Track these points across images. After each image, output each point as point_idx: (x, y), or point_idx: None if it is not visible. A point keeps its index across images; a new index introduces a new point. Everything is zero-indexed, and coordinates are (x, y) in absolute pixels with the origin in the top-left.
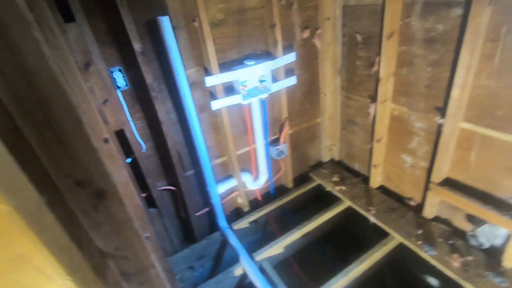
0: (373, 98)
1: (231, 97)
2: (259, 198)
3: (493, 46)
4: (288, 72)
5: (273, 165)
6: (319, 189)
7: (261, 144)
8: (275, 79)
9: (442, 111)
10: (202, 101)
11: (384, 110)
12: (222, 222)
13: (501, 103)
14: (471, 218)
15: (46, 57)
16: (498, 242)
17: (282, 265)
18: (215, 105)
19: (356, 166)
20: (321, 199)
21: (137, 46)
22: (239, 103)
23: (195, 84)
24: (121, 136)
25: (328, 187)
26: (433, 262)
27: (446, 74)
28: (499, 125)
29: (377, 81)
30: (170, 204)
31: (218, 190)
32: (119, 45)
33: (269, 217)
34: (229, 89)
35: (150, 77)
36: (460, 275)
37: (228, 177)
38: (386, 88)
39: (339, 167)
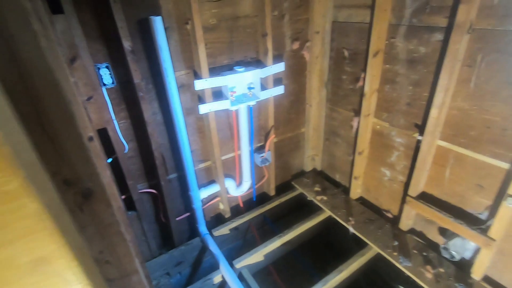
0: (357, 112)
1: (220, 102)
2: (241, 205)
3: (469, 71)
4: (277, 81)
5: (257, 172)
6: (301, 198)
7: (246, 150)
8: (263, 87)
9: (421, 128)
10: (189, 104)
11: (366, 124)
12: (202, 228)
13: (474, 124)
14: (443, 232)
15: (42, 49)
16: (467, 255)
17: (262, 273)
18: (203, 109)
19: (337, 177)
20: (302, 208)
21: (127, 44)
22: (227, 108)
23: (184, 87)
24: (103, 135)
25: (310, 197)
26: (408, 273)
27: (425, 93)
28: (471, 145)
29: (361, 96)
30: (149, 208)
31: (201, 195)
32: (108, 41)
33: (250, 225)
34: (218, 94)
35: (138, 76)
36: (432, 286)
37: (211, 182)
38: (369, 103)
39: (321, 177)
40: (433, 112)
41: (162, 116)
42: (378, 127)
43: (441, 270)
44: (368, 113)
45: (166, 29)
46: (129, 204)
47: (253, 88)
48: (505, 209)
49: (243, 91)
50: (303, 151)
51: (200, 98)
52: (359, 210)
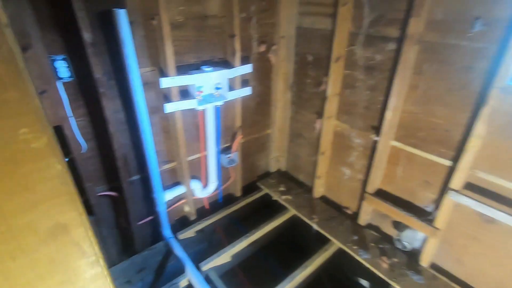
0: (320, 115)
1: (186, 101)
2: (207, 206)
3: (418, 78)
4: (244, 82)
5: (223, 173)
6: (267, 198)
7: (213, 151)
8: (231, 88)
9: (377, 130)
10: (154, 103)
11: (328, 126)
12: (166, 231)
13: (422, 126)
14: (396, 225)
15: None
16: (417, 244)
17: (229, 274)
18: (169, 108)
19: (301, 177)
20: (268, 208)
21: (87, 36)
22: (194, 108)
23: (149, 85)
24: (58, 134)
25: (275, 196)
26: (366, 264)
27: (381, 98)
28: (419, 144)
29: (324, 99)
30: (109, 212)
31: (165, 197)
32: (66, 32)
33: (216, 226)
34: (184, 93)
35: (99, 71)
36: (388, 275)
37: (176, 184)
38: (331, 106)
39: (285, 177)
40: (388, 115)
41: (125, 114)
42: (339, 128)
43: (395, 260)
44: (330, 115)
45: (130, 23)
46: (87, 208)
47: (220, 88)
48: (448, 201)
49: (210, 91)
50: (268, 152)
51: (166, 96)
52: (322, 208)
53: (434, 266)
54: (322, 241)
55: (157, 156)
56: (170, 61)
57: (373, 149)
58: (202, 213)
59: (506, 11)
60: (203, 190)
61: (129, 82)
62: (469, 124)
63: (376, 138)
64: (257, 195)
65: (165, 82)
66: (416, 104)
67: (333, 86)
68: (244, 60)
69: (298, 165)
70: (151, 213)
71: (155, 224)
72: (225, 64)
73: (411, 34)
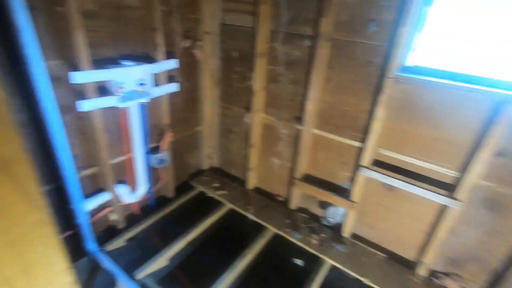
0: (248, 109)
1: (105, 98)
2: (137, 212)
3: (331, 72)
4: (170, 78)
5: (153, 174)
6: (202, 196)
7: (140, 152)
8: (156, 84)
9: (300, 120)
10: (67, 101)
11: (257, 119)
12: (90, 244)
13: (336, 114)
14: (322, 204)
15: None
16: (339, 219)
17: (168, 278)
18: (84, 106)
19: (234, 171)
20: (204, 206)
21: None
22: (115, 106)
23: (58, 80)
24: None
25: (210, 193)
26: (299, 243)
27: (302, 90)
28: (335, 130)
29: (251, 94)
30: None
31: (86, 207)
32: None
33: (150, 231)
34: (103, 90)
35: None
36: (317, 249)
37: (99, 190)
38: (258, 100)
39: (219, 173)
40: (309, 106)
41: (30, 114)
42: (267, 121)
43: (323, 235)
44: (258, 109)
45: (31, 9)
46: None
47: (144, 84)
48: (360, 177)
49: (133, 87)
50: (200, 150)
51: (80, 93)
52: (256, 199)
53: (354, 235)
54: (259, 229)
55: (73, 162)
56: (83, 54)
57: (298, 138)
58: (132, 219)
59: (391, 15)
60: (132, 195)
61: (32, 76)
62: (371, 109)
63: (300, 128)
64: (192, 194)
65: (77, 77)
66: (330, 95)
67: (258, 81)
68: (169, 55)
69: (231, 160)
70: (71, 227)
71: (77, 239)
72: (148, 58)
73: (323, 33)
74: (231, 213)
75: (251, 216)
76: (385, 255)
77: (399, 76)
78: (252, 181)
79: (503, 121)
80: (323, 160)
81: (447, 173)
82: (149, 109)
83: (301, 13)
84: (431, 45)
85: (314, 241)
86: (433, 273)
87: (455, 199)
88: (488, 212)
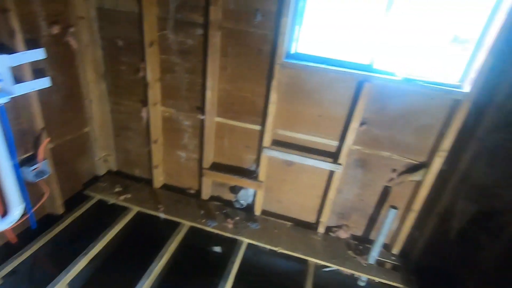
0: (144, 102)
1: None
2: (14, 240)
3: (225, 60)
4: (38, 72)
5: (31, 191)
6: (101, 204)
7: (6, 165)
8: (18, 80)
9: (201, 109)
10: None
11: (155, 113)
12: None
13: (235, 101)
14: (233, 189)
15: None
16: (250, 200)
17: None
18: None
19: (137, 172)
20: (105, 215)
21: None
22: None
23: None
24: None
25: (111, 200)
26: (216, 231)
27: (199, 79)
28: (236, 117)
29: (145, 86)
30: None
31: None
32: None
33: (36, 258)
34: None
35: None
36: (234, 232)
37: None
38: (154, 92)
39: (119, 176)
40: (208, 94)
41: None
42: (166, 114)
43: (237, 218)
44: (155, 102)
45: None
46: None
47: (0, 80)
48: (264, 158)
49: None
50: (92, 154)
51: None
52: (166, 196)
53: (264, 212)
54: (173, 227)
55: None
56: None
57: (201, 128)
58: (9, 250)
59: (274, 6)
60: (2, 221)
61: None
62: (266, 94)
63: (202, 117)
64: (88, 205)
65: None
66: (228, 83)
67: (152, 72)
68: (31, 44)
69: (131, 160)
70: None
71: None
72: (2, 48)
73: (213, 21)
74: (140, 217)
75: (162, 215)
76: (292, 223)
77: (285, 62)
78: (159, 179)
79: (364, 96)
80: (228, 147)
81: (331, 143)
82: (13, 112)
83: (188, 0)
84: (310, 34)
85: (230, 226)
86: (329, 229)
87: (338, 164)
88: (360, 170)
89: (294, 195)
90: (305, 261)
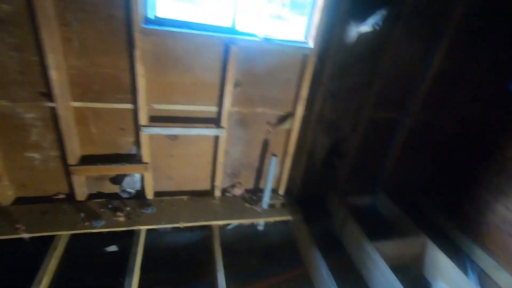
0: None
1: None
2: None
3: (68, 29)
4: None
5: None
6: None
7: None
8: None
9: (48, 95)
10: None
11: None
12: None
13: (93, 79)
14: (115, 180)
15: None
16: (138, 185)
17: None
18: None
19: None
20: None
21: None
22: None
23: None
24: None
25: None
26: (105, 230)
27: (35, 58)
28: (99, 97)
29: None
30: None
31: None
32: None
33: None
34: None
35: None
36: (128, 224)
37: None
38: None
39: None
40: (53, 75)
41: None
42: None
43: (128, 209)
44: None
45: None
46: None
47: None
48: (144, 137)
49: None
50: None
51: None
52: (23, 212)
53: (157, 194)
54: (47, 243)
55: None
56: None
57: (54, 118)
58: None
59: None
60: None
61: None
62: (131, 67)
63: (51, 105)
64: None
65: None
66: (78, 58)
67: None
68: None
69: None
70: None
71: None
72: None
73: None
74: None
75: (26, 235)
76: (188, 196)
77: (146, 29)
78: (7, 193)
79: (232, 58)
80: (97, 134)
81: (211, 109)
82: None
83: None
84: None
85: (121, 219)
86: (225, 190)
87: (221, 127)
88: (241, 129)
89: (184, 168)
90: (209, 226)
